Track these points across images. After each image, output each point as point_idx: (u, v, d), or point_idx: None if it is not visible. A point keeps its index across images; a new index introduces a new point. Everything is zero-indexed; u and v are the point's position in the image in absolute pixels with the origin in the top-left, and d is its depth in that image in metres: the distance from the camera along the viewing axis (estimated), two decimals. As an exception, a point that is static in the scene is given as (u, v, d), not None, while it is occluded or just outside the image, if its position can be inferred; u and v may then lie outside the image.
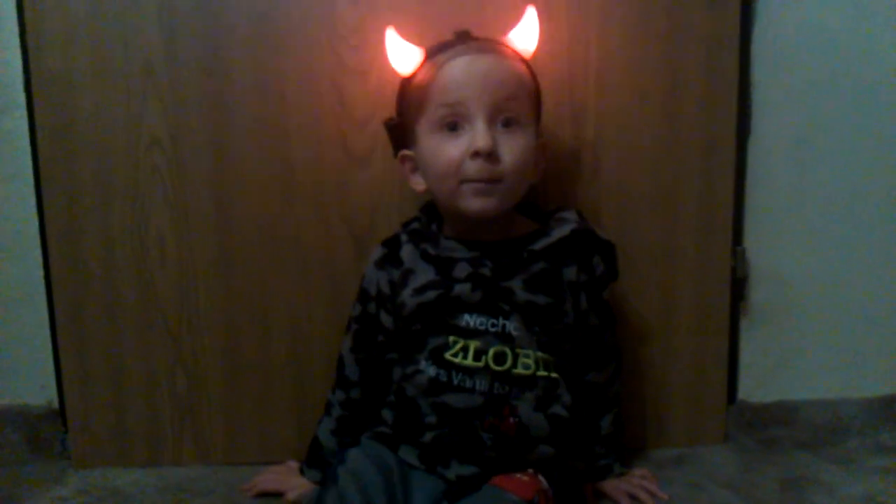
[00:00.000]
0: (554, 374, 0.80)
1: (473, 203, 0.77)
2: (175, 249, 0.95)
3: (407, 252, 0.82)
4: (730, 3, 0.92)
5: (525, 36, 0.82)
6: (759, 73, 0.96)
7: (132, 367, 0.97)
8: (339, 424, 0.88)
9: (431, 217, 0.86)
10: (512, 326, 0.79)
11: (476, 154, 0.75)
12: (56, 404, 1.00)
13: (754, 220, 0.99)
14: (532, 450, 0.78)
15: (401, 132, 0.83)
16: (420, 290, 0.80)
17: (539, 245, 0.80)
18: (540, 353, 0.79)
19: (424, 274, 0.80)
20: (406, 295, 0.80)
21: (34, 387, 1.00)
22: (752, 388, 1.02)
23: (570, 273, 0.81)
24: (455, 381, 0.78)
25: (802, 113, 0.97)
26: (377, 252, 0.85)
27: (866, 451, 0.97)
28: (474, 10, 0.91)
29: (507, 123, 0.77)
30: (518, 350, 0.78)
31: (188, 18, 0.91)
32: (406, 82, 0.81)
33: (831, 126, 0.98)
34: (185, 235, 0.95)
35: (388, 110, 0.91)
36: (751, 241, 0.99)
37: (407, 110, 0.81)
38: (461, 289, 0.79)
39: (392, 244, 0.85)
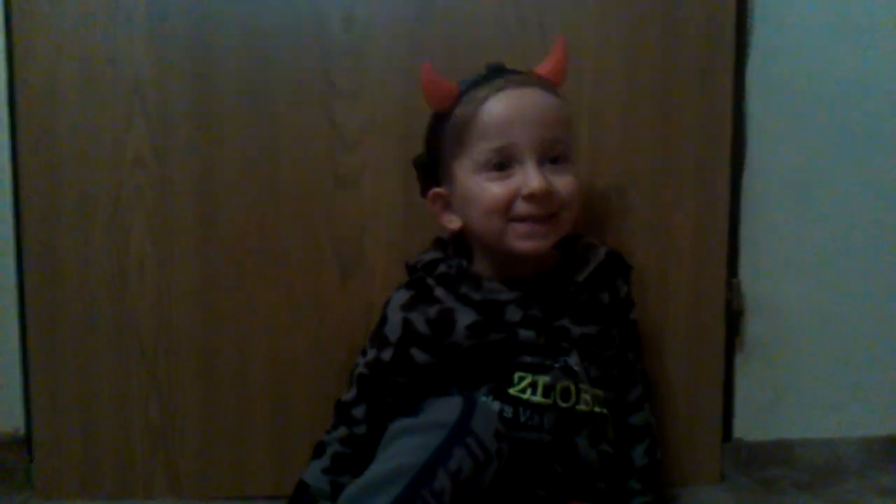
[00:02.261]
0: (604, 411, 0.79)
1: (524, 244, 0.75)
2: (154, 272, 0.92)
3: (440, 294, 0.77)
4: (725, 33, 0.92)
5: (555, 67, 0.80)
6: (753, 104, 0.96)
7: (104, 392, 0.93)
8: (334, 462, 0.78)
9: (457, 253, 0.81)
10: (573, 361, 0.77)
11: (531, 196, 0.73)
12: (22, 431, 0.96)
13: (750, 252, 0.97)
14: (591, 488, 0.76)
15: (432, 170, 0.80)
16: (476, 331, 0.75)
17: (583, 276, 0.79)
18: (594, 389, 0.78)
19: (468, 315, 0.76)
20: (460, 335, 0.75)
21: (0, 413, 0.96)
22: (748, 426, 0.99)
23: (605, 298, 0.81)
24: (523, 419, 0.75)
25: (799, 143, 0.97)
26: (400, 296, 0.78)
27: (867, 493, 0.94)
28: (470, 32, 0.90)
29: (555, 160, 0.75)
30: (580, 386, 0.77)
31: (178, 36, 0.90)
32: (441, 118, 0.77)
33: (828, 156, 0.97)
34: (166, 257, 0.92)
35: (381, 133, 0.90)
36: (746, 274, 0.97)
37: (442, 147, 0.77)
38: (526, 335, 0.76)
39: (418, 286, 0.79)
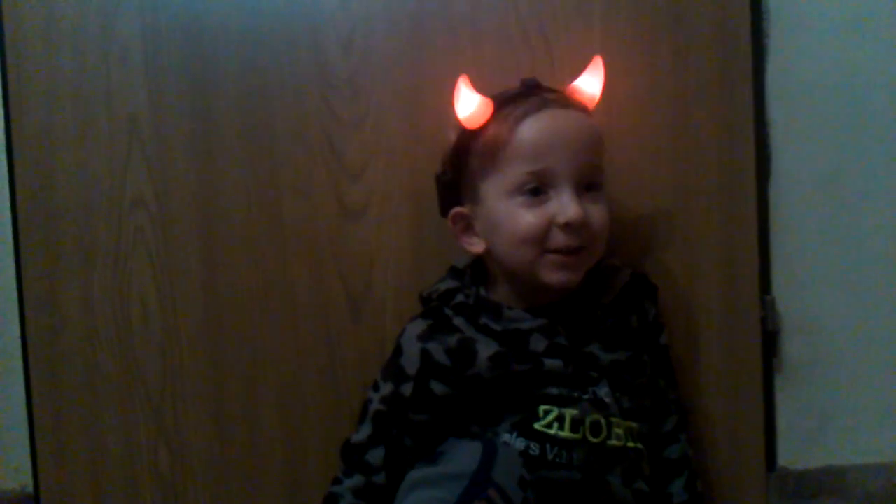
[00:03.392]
0: (640, 445, 0.74)
1: (556, 276, 0.71)
2: (159, 315, 0.89)
3: (460, 324, 0.74)
4: (740, 37, 0.88)
5: (591, 87, 0.77)
6: (775, 110, 0.90)
7: (111, 443, 0.90)
8: None
9: (475, 281, 0.77)
10: (603, 392, 0.73)
11: (567, 225, 0.69)
12: (30, 488, 0.92)
13: (782, 267, 0.91)
14: None
15: (455, 189, 0.76)
16: (499, 362, 0.71)
17: (608, 298, 0.75)
18: (627, 422, 0.73)
19: (489, 346, 0.72)
20: (482, 366, 0.71)
21: (7, 469, 0.93)
22: (793, 453, 0.92)
23: (634, 321, 0.77)
24: (550, 456, 0.70)
25: (826, 150, 0.91)
26: (417, 326, 0.74)
27: (929, 523, 0.86)
28: (472, 50, 0.87)
29: (590, 187, 0.72)
30: (612, 419, 0.72)
31: (174, 72, 0.88)
32: (470, 135, 0.73)
33: (859, 162, 0.91)
34: (170, 300, 0.89)
35: (385, 161, 0.87)
36: (780, 290, 0.91)
37: (469, 165, 0.74)
38: (553, 364, 0.71)
39: (436, 316, 0.75)
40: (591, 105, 0.77)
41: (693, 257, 0.88)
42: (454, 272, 0.80)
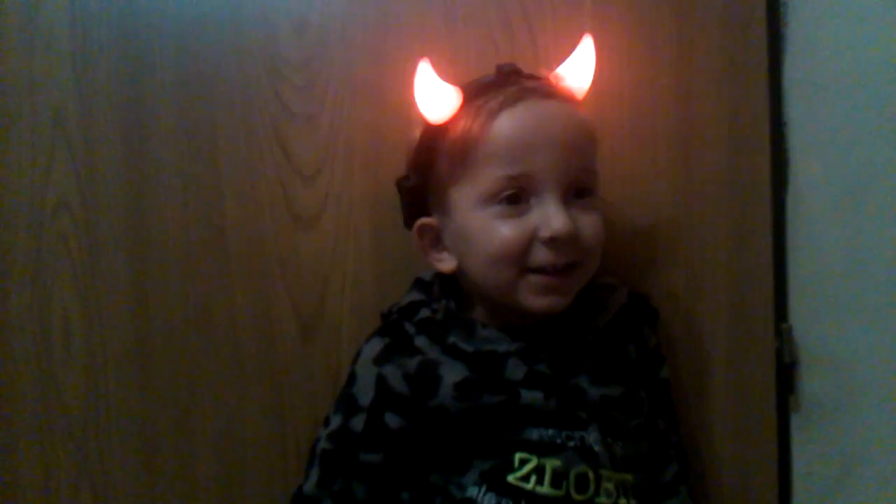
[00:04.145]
0: (634, 502, 0.63)
1: (540, 300, 0.61)
2: (83, 336, 0.79)
3: (422, 343, 0.64)
4: (755, 25, 0.77)
5: (580, 73, 0.65)
6: (794, 110, 0.79)
7: (27, 482, 0.79)
8: None
9: (444, 294, 0.66)
10: (592, 438, 0.62)
11: (552, 240, 0.59)
12: (-65, 532, 0.81)
13: (801, 291, 0.80)
14: None
15: (421, 196, 0.66)
16: (467, 391, 0.61)
17: (601, 321, 0.64)
18: (619, 474, 0.63)
19: (456, 370, 0.61)
20: (446, 395, 0.61)
21: None
22: (811, 505, 0.80)
23: (630, 351, 0.67)
24: None
25: (852, 155, 0.80)
26: (372, 347, 0.65)
27: None
28: (445, 37, 0.76)
29: (581, 193, 0.62)
30: (601, 471, 0.61)
31: (105, 59, 0.77)
32: (435, 133, 0.63)
33: (890, 169, 0.80)
34: (96, 318, 0.78)
35: (343, 162, 0.77)
36: (798, 317, 0.80)
37: (436, 170, 0.63)
38: (532, 397, 0.61)
39: (394, 332, 0.65)
40: (581, 95, 0.66)
41: (698, 278, 0.77)
42: (420, 284, 0.69)
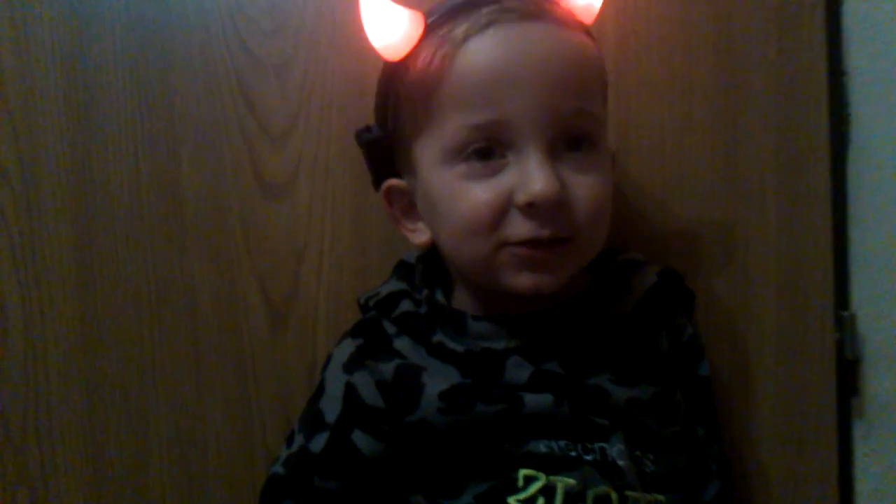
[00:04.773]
0: None
1: (521, 279, 0.49)
2: (21, 324, 0.69)
3: (403, 345, 0.54)
4: None
5: None
6: (855, 57, 0.67)
7: (-40, 490, 0.70)
8: None
9: (427, 281, 0.56)
10: (615, 451, 0.50)
11: (531, 206, 0.47)
12: None
13: (864, 273, 0.68)
14: None
15: (386, 152, 0.55)
16: (456, 401, 0.50)
17: (625, 306, 0.54)
18: (651, 495, 0.51)
19: (443, 376, 0.51)
20: (429, 408, 0.50)
21: None
22: (878, 526, 0.69)
23: (664, 344, 0.55)
24: None
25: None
26: (345, 348, 0.55)
27: None
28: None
29: (576, 144, 0.49)
30: (628, 492, 0.50)
31: (46, 4, 0.68)
32: (393, 71, 0.52)
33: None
34: (35, 302, 0.69)
35: (318, 120, 0.68)
36: (862, 306, 0.68)
37: (399, 119, 0.53)
38: (539, 402, 0.50)
39: (369, 331, 0.55)
40: (589, 17, 0.53)
41: (741, 256, 0.66)
42: (401, 269, 0.59)
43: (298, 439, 0.54)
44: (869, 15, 0.68)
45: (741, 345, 0.66)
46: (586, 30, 0.52)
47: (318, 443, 0.52)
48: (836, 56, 0.67)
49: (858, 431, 0.69)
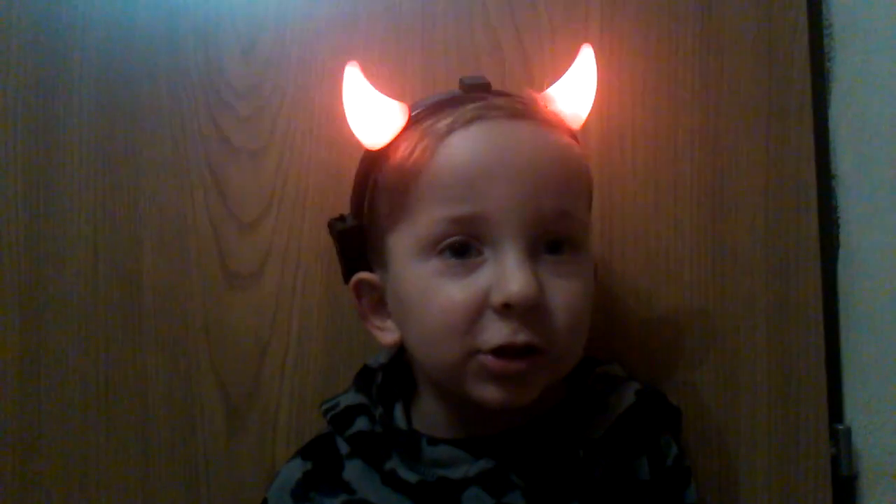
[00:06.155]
0: None
1: (490, 391, 0.46)
2: None
3: (354, 473, 0.50)
4: (795, 60, 0.64)
5: (576, 93, 0.52)
6: (843, 162, 0.66)
7: None
8: None
9: (385, 394, 0.52)
10: None
11: (506, 307, 0.44)
12: None
13: (859, 383, 0.65)
14: None
15: (359, 243, 0.52)
16: None
17: (600, 429, 0.50)
18: None
19: None
20: None
21: None
22: None
23: (644, 470, 0.51)
24: None
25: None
26: (292, 470, 0.52)
27: None
28: (419, 64, 0.63)
29: (557, 247, 0.47)
30: None
31: (13, 75, 0.65)
32: (373, 160, 0.50)
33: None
34: None
35: (291, 206, 0.64)
36: (857, 418, 0.65)
37: (374, 209, 0.50)
38: None
39: (320, 453, 0.52)
40: (576, 124, 0.52)
41: (730, 367, 0.62)
42: (362, 378, 0.54)
43: None
44: (856, 117, 0.67)
45: (730, 461, 0.62)
46: (572, 134, 0.50)
47: None
48: (824, 160, 0.66)
49: (858, 555, 0.65)
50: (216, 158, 0.64)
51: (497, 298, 0.44)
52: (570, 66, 0.54)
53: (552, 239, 0.46)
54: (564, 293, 0.45)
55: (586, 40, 0.56)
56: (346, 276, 0.52)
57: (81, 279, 0.63)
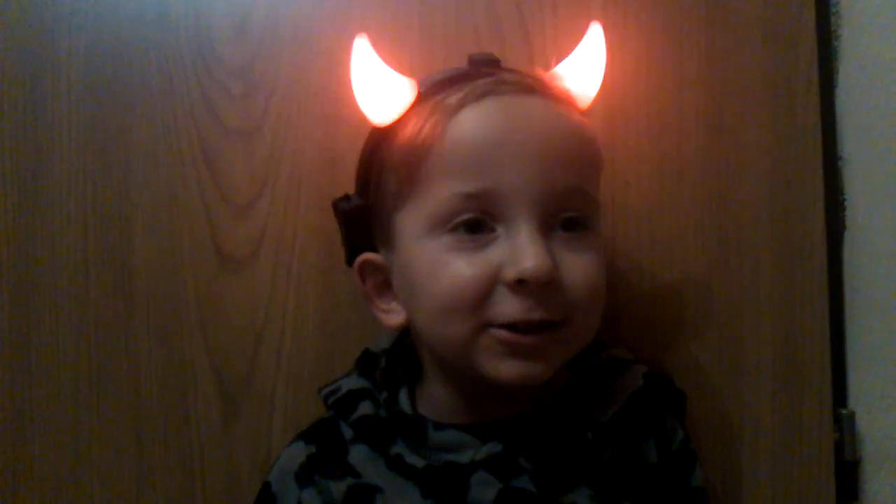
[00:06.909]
0: None
1: (504, 367, 0.45)
2: None
3: (359, 457, 0.49)
4: (801, 38, 0.63)
5: (584, 71, 0.51)
6: (850, 143, 0.65)
7: None
8: None
9: (390, 379, 0.51)
10: None
11: (520, 283, 0.43)
12: None
13: (863, 368, 0.64)
14: None
15: (364, 224, 0.51)
16: None
17: (607, 413, 0.49)
18: None
19: (401, 498, 0.47)
20: None
21: None
22: None
23: (651, 453, 0.50)
24: None
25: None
26: (295, 453, 0.51)
27: None
28: (416, 45, 0.62)
29: (571, 224, 0.46)
30: None
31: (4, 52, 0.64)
32: (380, 137, 0.49)
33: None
34: None
35: (286, 188, 0.64)
36: (861, 402, 0.64)
37: (381, 188, 0.49)
38: None
39: (323, 437, 0.51)
40: (584, 102, 0.51)
41: (735, 351, 0.62)
42: (365, 362, 0.53)
43: None
44: (862, 99, 0.66)
45: (734, 446, 0.61)
46: (582, 112, 0.49)
47: None
48: (830, 142, 0.65)
49: (860, 540, 0.65)
50: (208, 139, 0.62)
51: (510, 274, 0.43)
52: (571, 43, 0.53)
53: (565, 216, 0.46)
54: (580, 267, 0.45)
55: (589, 17, 0.55)
56: (350, 258, 0.51)
57: (72, 263, 0.62)
